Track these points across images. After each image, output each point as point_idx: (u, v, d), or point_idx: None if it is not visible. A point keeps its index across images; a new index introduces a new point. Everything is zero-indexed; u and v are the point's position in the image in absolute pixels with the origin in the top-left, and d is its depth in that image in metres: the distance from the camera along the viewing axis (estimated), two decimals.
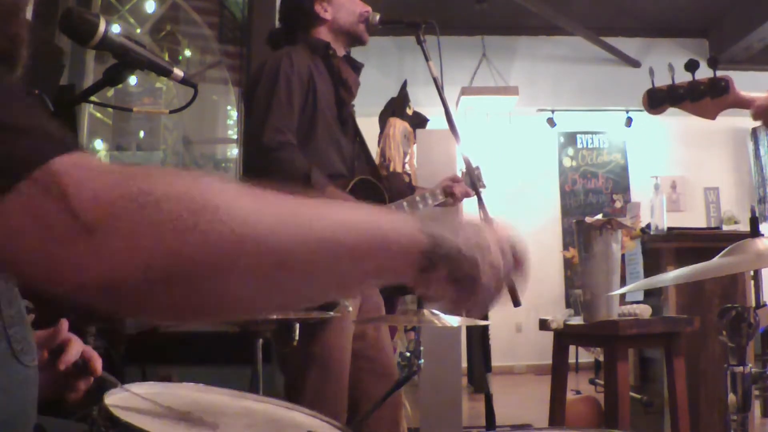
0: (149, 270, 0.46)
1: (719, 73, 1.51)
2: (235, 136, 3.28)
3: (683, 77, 1.50)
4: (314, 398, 1.87)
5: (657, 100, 1.52)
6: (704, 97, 1.47)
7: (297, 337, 1.71)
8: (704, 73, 1.52)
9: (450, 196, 2.22)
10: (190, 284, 0.49)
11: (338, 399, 1.92)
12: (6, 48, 0.62)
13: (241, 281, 0.50)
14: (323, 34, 2.10)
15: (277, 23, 2.28)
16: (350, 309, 1.92)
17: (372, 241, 0.56)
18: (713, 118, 1.51)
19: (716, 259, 1.22)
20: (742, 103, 1.50)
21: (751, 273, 2.87)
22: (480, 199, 2.00)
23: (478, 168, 2.28)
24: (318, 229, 0.53)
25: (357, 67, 2.19)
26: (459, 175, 2.27)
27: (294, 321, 1.71)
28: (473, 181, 2.12)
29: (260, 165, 1.90)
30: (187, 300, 0.50)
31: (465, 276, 0.60)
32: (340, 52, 2.13)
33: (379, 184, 2.12)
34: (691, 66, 1.46)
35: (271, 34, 2.23)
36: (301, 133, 1.95)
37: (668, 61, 1.54)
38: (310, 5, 2.08)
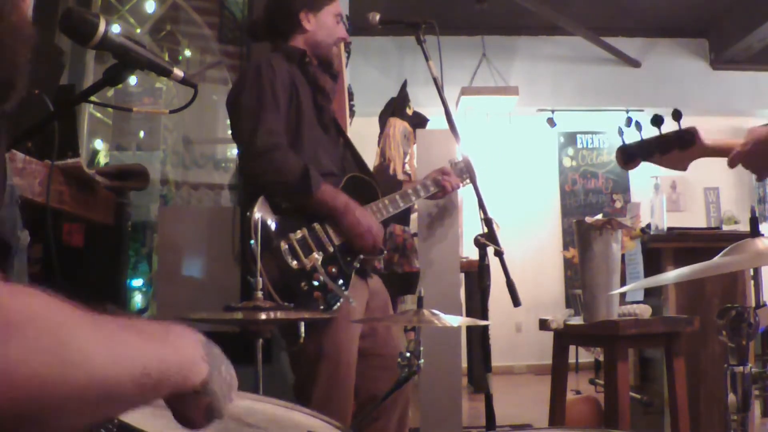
0: (5, 407, 0.45)
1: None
2: None
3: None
4: (324, 394, 1.89)
5: (629, 156, 1.57)
6: (672, 150, 1.49)
7: (303, 335, 1.74)
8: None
9: (440, 187, 2.23)
10: (33, 419, 0.48)
11: (347, 395, 1.94)
12: (6, 74, 0.61)
13: (74, 414, 0.51)
14: (300, 43, 2.12)
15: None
16: (354, 304, 1.93)
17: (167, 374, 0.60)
18: (684, 169, 1.53)
19: (716, 259, 1.22)
20: (712, 152, 1.50)
21: (751, 273, 2.87)
22: (476, 188, 2.01)
23: (462, 160, 2.30)
24: (129, 368, 0.55)
25: (334, 75, 2.21)
26: (449, 166, 2.28)
27: (299, 320, 1.73)
28: (469, 172, 2.13)
29: (257, 168, 1.91)
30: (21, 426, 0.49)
31: (214, 410, 0.67)
32: (314, 60, 2.15)
33: (371, 181, 2.14)
34: (656, 121, 1.48)
35: (252, 24, 2.25)
36: (288, 136, 1.97)
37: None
38: (296, 11, 2.10)
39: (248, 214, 1.86)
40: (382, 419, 2.03)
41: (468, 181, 2.26)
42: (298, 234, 1.90)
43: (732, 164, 1.48)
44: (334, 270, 1.93)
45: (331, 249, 1.95)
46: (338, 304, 1.89)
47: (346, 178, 2.06)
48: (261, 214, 1.87)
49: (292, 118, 1.99)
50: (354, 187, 2.06)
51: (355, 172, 2.13)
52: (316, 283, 1.87)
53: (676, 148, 1.49)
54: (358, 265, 2.00)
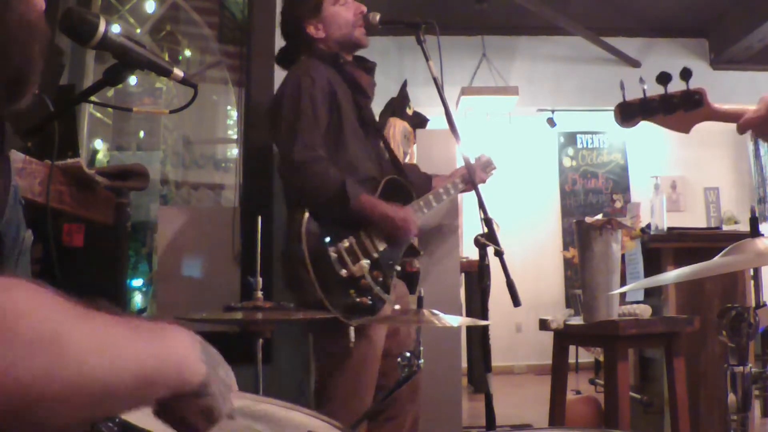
0: None
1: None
2: (235, 136, 3.27)
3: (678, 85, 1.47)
4: (349, 390, 1.96)
5: (629, 114, 1.49)
6: (677, 110, 1.44)
7: (353, 339, 1.88)
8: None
9: (468, 183, 2.32)
10: (20, 419, 0.46)
11: (369, 393, 1.99)
12: (20, 70, 0.61)
13: (66, 412, 0.49)
14: (323, 47, 2.15)
15: (278, 45, 2.33)
16: (397, 307, 1.99)
17: (164, 373, 0.58)
18: (687, 131, 1.47)
19: (716, 259, 1.22)
20: (719, 116, 1.46)
21: (751, 273, 2.87)
22: (476, 188, 2.02)
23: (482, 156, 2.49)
24: (128, 371, 0.53)
25: (369, 68, 2.22)
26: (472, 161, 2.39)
27: (347, 324, 1.86)
28: (475, 174, 2.19)
29: (296, 181, 1.96)
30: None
31: (214, 412, 0.64)
32: (348, 57, 2.17)
33: (406, 183, 2.20)
34: (663, 79, 1.41)
35: (280, 53, 2.29)
36: (331, 144, 2.02)
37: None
38: (302, 29, 2.12)
39: (298, 224, 1.91)
40: (399, 419, 2.08)
41: (493, 171, 2.44)
42: (346, 243, 1.96)
43: (742, 129, 1.44)
44: (378, 275, 1.99)
45: (376, 255, 2.01)
46: (382, 307, 1.95)
47: (384, 182, 2.11)
48: (310, 224, 1.92)
49: (334, 126, 2.03)
50: (392, 190, 2.12)
51: (391, 173, 2.19)
52: (363, 289, 1.94)
53: (682, 108, 1.43)
54: (399, 269, 2.09)
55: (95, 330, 0.51)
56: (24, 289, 0.48)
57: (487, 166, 2.47)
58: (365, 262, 1.94)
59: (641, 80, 1.46)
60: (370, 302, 1.93)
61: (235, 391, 0.70)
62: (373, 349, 1.99)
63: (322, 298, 1.86)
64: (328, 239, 1.93)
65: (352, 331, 1.86)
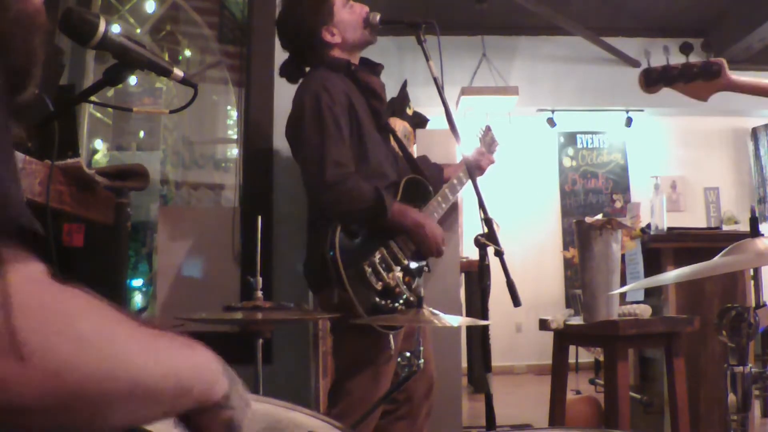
0: (59, 402, 0.46)
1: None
2: (235, 136, 3.27)
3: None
4: (365, 388, 1.98)
5: (652, 80, 1.59)
6: (697, 79, 1.52)
7: (394, 346, 1.92)
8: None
9: (479, 168, 2.42)
10: (83, 416, 0.48)
11: (383, 392, 2.02)
12: (21, 65, 0.61)
13: (116, 413, 0.51)
14: (337, 53, 2.14)
15: (278, 45, 2.32)
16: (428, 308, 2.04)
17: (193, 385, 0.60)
18: (706, 99, 1.55)
19: (716, 259, 1.22)
20: (736, 87, 1.54)
21: (751, 273, 2.87)
22: (476, 188, 2.02)
23: (485, 131, 2.58)
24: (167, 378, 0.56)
25: (378, 71, 2.23)
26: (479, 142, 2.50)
27: (390, 330, 1.90)
28: (472, 169, 2.23)
29: (330, 200, 1.96)
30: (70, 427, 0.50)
31: (235, 424, 0.67)
32: (357, 61, 2.17)
33: (424, 180, 2.22)
34: (686, 48, 1.50)
35: (284, 67, 2.27)
36: (355, 156, 2.02)
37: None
38: (317, 34, 2.11)
39: (331, 241, 1.93)
40: (408, 420, 2.09)
41: (496, 147, 2.54)
42: (377, 255, 1.98)
43: None
44: (410, 280, 2.03)
45: (406, 261, 2.04)
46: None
47: (403, 184, 2.13)
48: (342, 239, 1.94)
49: (355, 138, 2.04)
50: (412, 189, 2.14)
51: (407, 172, 2.20)
52: (397, 296, 1.98)
53: (701, 78, 1.51)
54: (427, 270, 2.13)
55: (142, 336, 0.55)
56: (80, 296, 0.51)
57: (491, 144, 2.52)
58: (398, 272, 1.99)
59: (665, 48, 1.55)
60: (403, 308, 1.97)
61: (251, 411, 0.72)
62: (394, 351, 2.02)
63: (362, 313, 1.89)
64: (361, 254, 1.96)
65: (392, 338, 1.90)
